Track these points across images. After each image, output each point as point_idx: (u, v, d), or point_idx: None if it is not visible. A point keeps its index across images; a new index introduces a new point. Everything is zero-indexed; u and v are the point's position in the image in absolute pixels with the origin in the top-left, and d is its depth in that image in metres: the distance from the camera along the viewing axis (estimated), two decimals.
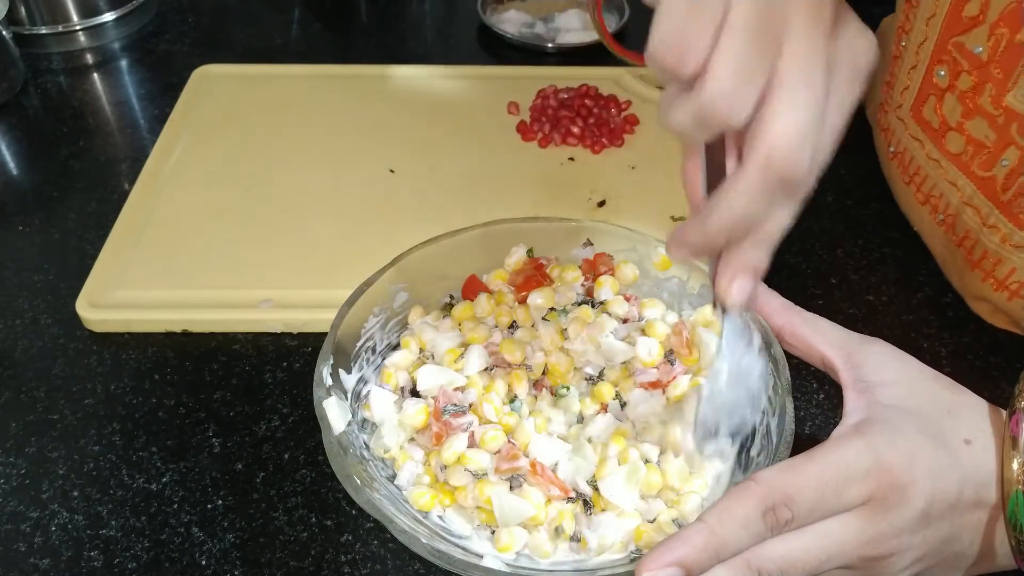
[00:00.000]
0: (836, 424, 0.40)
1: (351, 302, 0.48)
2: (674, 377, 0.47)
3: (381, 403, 0.48)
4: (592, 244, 0.53)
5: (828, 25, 0.32)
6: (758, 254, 0.36)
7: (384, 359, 0.50)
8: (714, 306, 0.41)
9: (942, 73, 0.57)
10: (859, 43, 0.34)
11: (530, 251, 0.53)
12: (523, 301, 0.51)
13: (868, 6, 0.93)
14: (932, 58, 0.58)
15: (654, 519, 0.44)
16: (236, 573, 0.46)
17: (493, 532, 0.44)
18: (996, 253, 0.55)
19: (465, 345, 0.50)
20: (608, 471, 0.44)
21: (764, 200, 0.33)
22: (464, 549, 0.43)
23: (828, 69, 0.32)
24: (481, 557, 0.42)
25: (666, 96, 0.33)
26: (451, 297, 0.53)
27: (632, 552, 0.43)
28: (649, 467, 0.45)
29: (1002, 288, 0.56)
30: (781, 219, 0.35)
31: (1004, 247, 0.55)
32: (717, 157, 0.35)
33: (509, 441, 0.45)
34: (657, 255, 0.52)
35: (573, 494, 0.44)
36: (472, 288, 0.53)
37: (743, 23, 0.31)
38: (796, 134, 0.32)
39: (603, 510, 0.44)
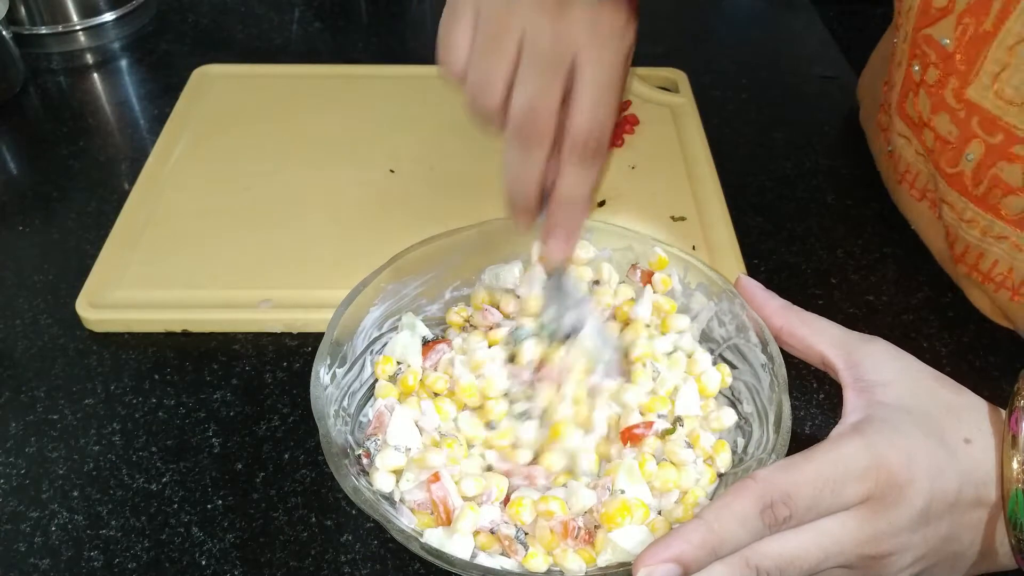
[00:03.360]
0: (836, 424, 0.40)
1: (348, 302, 0.48)
2: None
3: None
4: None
5: (552, 9, 0.38)
6: (562, 215, 0.44)
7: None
8: (546, 274, 0.49)
9: (916, 68, 0.57)
10: (597, 14, 0.39)
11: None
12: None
13: (869, 6, 0.92)
14: (909, 52, 0.58)
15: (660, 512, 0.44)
16: (236, 573, 0.46)
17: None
18: (977, 247, 0.55)
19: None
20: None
21: (520, 153, 0.41)
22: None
23: (558, 45, 0.39)
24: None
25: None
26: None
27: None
28: (661, 465, 0.45)
29: (988, 281, 0.56)
30: (571, 179, 0.42)
31: (985, 239, 0.54)
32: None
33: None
34: (654, 255, 0.52)
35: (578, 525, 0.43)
36: None
37: (485, 22, 0.40)
38: (523, 101, 0.40)
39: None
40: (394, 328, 0.52)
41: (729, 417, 0.47)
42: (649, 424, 0.46)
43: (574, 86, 0.40)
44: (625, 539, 0.41)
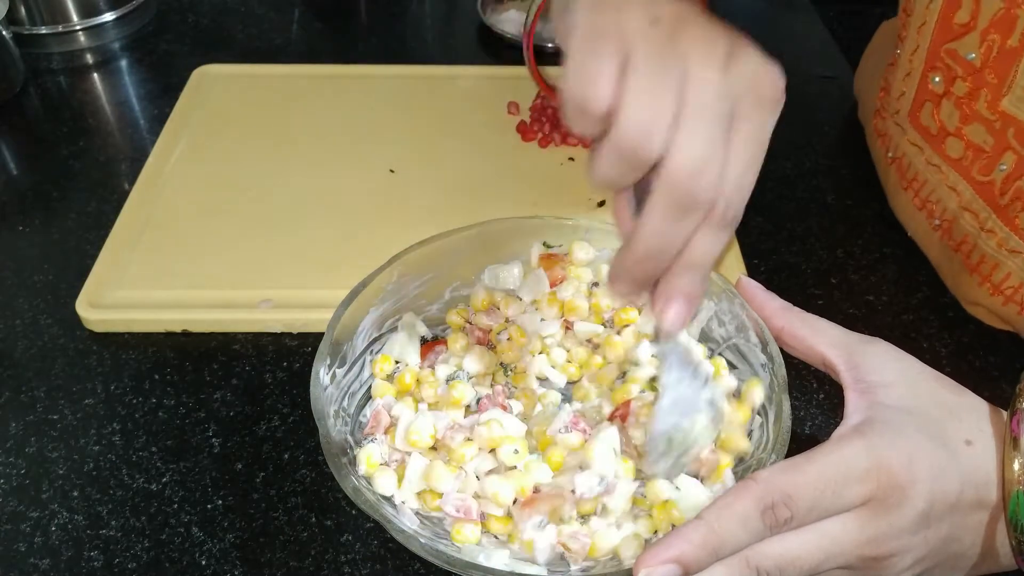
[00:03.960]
0: (836, 424, 0.40)
1: (348, 302, 0.49)
2: None
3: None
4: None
5: (722, 59, 0.35)
6: (688, 280, 0.38)
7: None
8: (656, 337, 0.43)
9: (937, 80, 0.57)
10: (761, 73, 0.36)
11: (546, 243, 0.54)
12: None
13: (869, 6, 0.92)
14: (926, 65, 0.58)
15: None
16: (236, 573, 0.46)
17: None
18: (993, 258, 0.55)
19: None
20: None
21: (674, 222, 0.35)
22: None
23: (724, 99, 0.34)
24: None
25: (591, 153, 0.36)
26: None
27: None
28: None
29: (998, 293, 0.56)
30: (706, 245, 0.37)
31: (1000, 252, 0.55)
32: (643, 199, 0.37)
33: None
34: None
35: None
36: None
37: (644, 60, 0.34)
38: (693, 160, 0.34)
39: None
40: (394, 328, 0.52)
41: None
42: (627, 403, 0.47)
43: (729, 145, 0.35)
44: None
